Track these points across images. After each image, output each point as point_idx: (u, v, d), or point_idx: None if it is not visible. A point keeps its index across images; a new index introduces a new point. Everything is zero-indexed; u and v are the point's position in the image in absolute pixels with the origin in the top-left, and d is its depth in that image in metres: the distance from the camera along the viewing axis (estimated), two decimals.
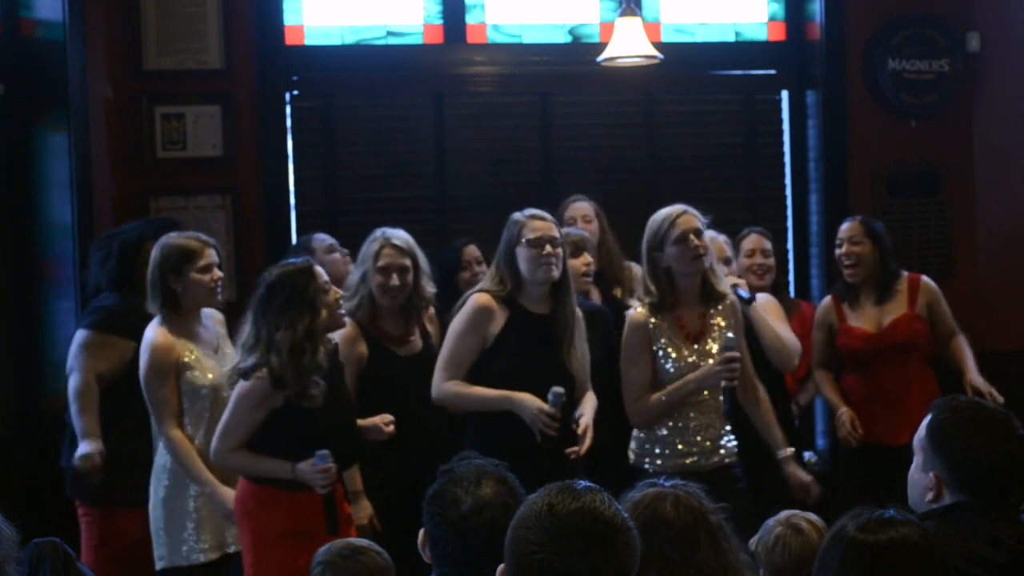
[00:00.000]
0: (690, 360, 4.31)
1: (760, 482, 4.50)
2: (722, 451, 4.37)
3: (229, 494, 4.10)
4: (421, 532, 2.61)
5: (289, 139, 5.95)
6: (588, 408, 4.34)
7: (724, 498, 4.02)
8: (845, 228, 5.18)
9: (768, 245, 5.30)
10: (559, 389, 4.17)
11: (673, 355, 4.30)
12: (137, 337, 4.39)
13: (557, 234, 4.30)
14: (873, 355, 5.07)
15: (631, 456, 4.42)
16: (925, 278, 5.21)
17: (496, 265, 4.36)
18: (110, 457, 4.47)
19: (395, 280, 4.45)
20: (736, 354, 4.28)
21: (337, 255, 5.14)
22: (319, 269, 4.00)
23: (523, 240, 4.26)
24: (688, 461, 4.29)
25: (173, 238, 4.35)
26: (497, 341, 4.29)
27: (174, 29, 5.68)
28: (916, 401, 4.95)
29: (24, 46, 5.33)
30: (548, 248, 4.24)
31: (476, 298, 4.32)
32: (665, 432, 4.34)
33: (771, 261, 5.29)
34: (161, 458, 4.30)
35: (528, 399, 4.19)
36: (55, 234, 5.34)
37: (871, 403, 5.06)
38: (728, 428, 4.42)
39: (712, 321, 4.38)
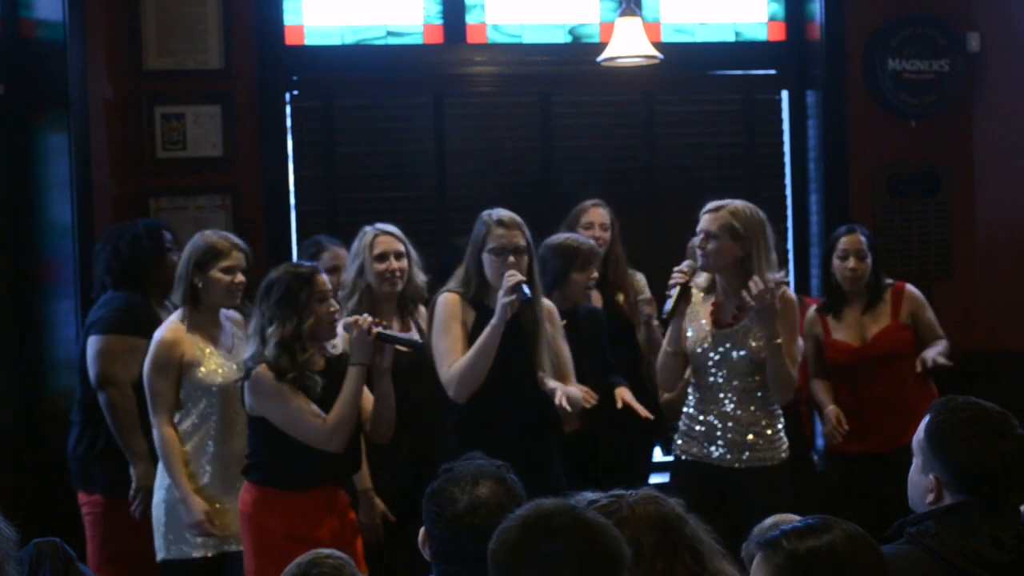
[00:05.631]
0: None
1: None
2: (755, 451, 4.31)
3: (199, 505, 4.16)
4: (421, 530, 2.61)
5: (289, 139, 5.94)
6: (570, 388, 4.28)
7: (757, 499, 4.06)
8: (849, 240, 5.13)
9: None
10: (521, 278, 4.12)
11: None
12: (149, 334, 4.40)
13: (522, 241, 4.25)
14: (859, 367, 5.07)
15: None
16: (909, 286, 5.20)
17: (465, 266, 4.34)
18: (119, 447, 4.52)
19: (394, 263, 4.51)
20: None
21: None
22: (322, 278, 4.04)
23: (487, 247, 4.25)
24: (711, 451, 4.30)
25: (206, 235, 4.39)
26: (467, 341, 4.25)
27: (174, 29, 5.67)
28: (906, 410, 4.94)
29: (24, 46, 5.33)
30: (511, 259, 4.20)
31: (446, 296, 4.31)
32: (690, 412, 4.38)
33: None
34: None
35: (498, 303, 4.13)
36: (55, 234, 5.33)
37: (860, 414, 5.04)
38: (779, 427, 4.35)
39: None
